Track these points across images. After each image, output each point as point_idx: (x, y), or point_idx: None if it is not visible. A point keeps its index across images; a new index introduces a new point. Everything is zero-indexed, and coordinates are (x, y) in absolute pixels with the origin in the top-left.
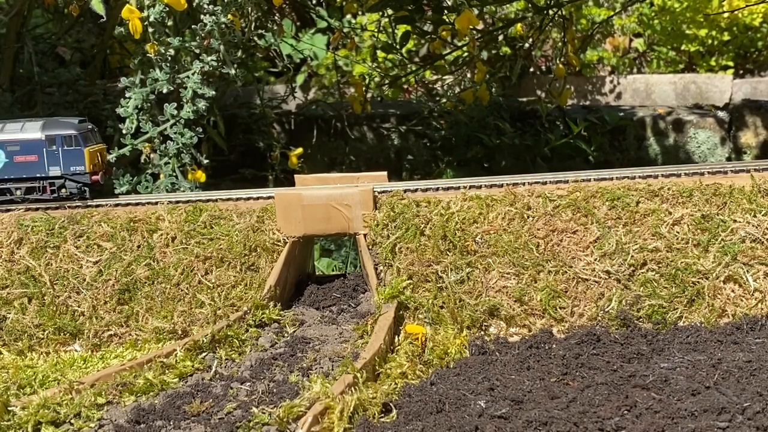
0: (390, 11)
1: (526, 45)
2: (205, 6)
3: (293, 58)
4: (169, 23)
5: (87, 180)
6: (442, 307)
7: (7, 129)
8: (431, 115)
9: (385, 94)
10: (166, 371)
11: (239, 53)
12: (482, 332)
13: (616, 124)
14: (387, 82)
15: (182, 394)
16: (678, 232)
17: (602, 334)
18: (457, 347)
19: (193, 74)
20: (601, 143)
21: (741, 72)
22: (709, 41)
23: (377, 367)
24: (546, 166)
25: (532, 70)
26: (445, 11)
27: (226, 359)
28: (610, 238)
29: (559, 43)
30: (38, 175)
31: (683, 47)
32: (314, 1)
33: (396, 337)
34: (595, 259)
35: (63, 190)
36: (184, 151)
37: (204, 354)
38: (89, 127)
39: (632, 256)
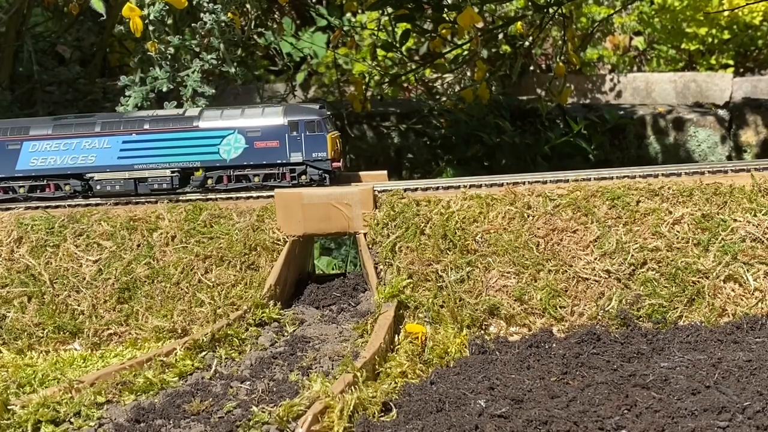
0: (390, 9)
1: (526, 43)
2: (205, 4)
3: (293, 56)
4: (169, 21)
5: (328, 166)
6: (442, 307)
7: (247, 114)
8: (431, 114)
9: (385, 93)
10: (166, 370)
11: (239, 51)
12: (482, 331)
13: (616, 123)
14: (387, 80)
15: (182, 393)
16: (678, 232)
17: (602, 333)
18: (457, 346)
19: (193, 72)
20: (601, 142)
21: (741, 70)
22: (710, 40)
23: (377, 366)
24: (546, 165)
25: (532, 68)
26: (445, 9)
27: (225, 358)
28: (611, 238)
29: (559, 42)
30: (279, 162)
31: (683, 46)
32: (314, 0)
33: (396, 336)
34: (596, 259)
35: (303, 177)
36: None
37: (204, 353)
38: (328, 113)
39: (632, 255)
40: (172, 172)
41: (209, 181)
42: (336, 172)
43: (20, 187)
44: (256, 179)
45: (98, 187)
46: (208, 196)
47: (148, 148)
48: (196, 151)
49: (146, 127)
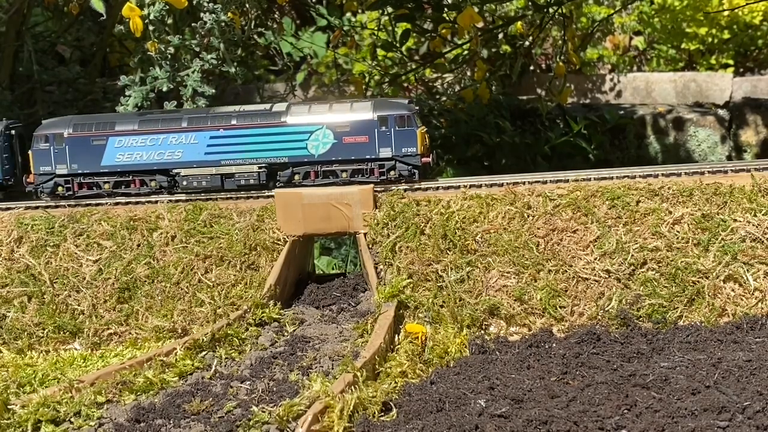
0: (390, 9)
1: (527, 43)
2: (205, 4)
3: (293, 56)
4: (169, 21)
5: (418, 162)
6: (442, 306)
7: (335, 109)
8: (431, 114)
9: (385, 93)
10: (166, 370)
11: (239, 51)
12: (482, 331)
13: (617, 123)
14: (387, 80)
15: (182, 393)
16: (678, 232)
17: (602, 333)
18: (457, 346)
19: (193, 72)
20: (601, 141)
21: (741, 70)
22: (710, 39)
23: (377, 366)
24: (546, 165)
25: (532, 68)
26: (445, 9)
27: (226, 358)
28: (610, 238)
29: (560, 42)
30: (367, 157)
31: (683, 45)
32: (314, 0)
33: (396, 336)
34: (595, 259)
35: (392, 173)
36: None
37: (204, 353)
38: (417, 108)
39: (632, 255)
40: (260, 167)
41: (296, 177)
42: (426, 168)
43: (105, 182)
44: (344, 175)
45: (184, 183)
46: (209, 196)
47: (235, 144)
48: (284, 147)
49: (234, 122)
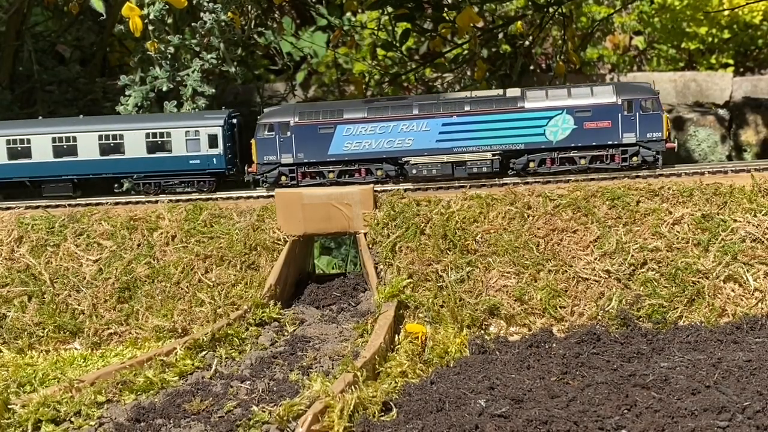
0: (390, 9)
1: (527, 43)
2: (205, 4)
3: (293, 56)
4: (169, 21)
5: (662, 147)
6: (442, 306)
7: (575, 94)
8: None
9: (385, 92)
10: (166, 369)
11: (239, 51)
12: (482, 331)
13: None
14: (387, 80)
15: (182, 393)
16: (678, 232)
17: (602, 333)
18: (458, 346)
19: (192, 72)
20: None
21: (741, 70)
22: (710, 39)
23: (377, 366)
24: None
25: (532, 68)
26: (445, 9)
27: (226, 358)
28: (611, 238)
29: (560, 41)
30: (609, 143)
31: (683, 45)
32: None
33: (396, 335)
34: (596, 259)
35: (635, 158)
36: None
37: (204, 352)
38: (658, 91)
39: (632, 255)
40: (493, 155)
41: (531, 164)
42: (671, 152)
43: (330, 171)
44: (582, 162)
45: (414, 171)
46: (209, 196)
47: (468, 131)
48: (521, 133)
49: (467, 108)
